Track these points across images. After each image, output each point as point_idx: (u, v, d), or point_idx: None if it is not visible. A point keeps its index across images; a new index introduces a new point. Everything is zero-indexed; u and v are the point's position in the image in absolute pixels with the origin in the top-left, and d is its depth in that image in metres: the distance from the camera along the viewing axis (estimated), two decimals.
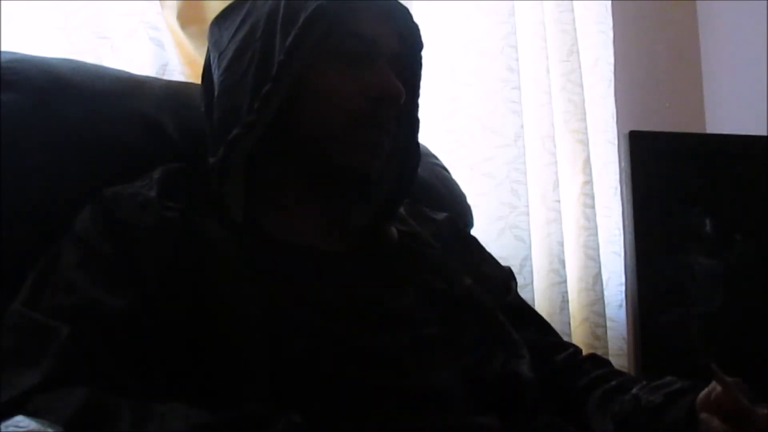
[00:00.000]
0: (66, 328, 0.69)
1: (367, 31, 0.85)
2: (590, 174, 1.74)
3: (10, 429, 0.47)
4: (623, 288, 1.81)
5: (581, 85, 1.76)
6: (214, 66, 0.89)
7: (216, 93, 0.86)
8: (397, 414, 0.74)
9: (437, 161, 1.28)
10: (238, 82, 0.83)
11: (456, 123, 1.59)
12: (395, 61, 0.87)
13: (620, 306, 1.81)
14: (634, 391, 0.87)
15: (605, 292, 1.74)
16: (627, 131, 1.80)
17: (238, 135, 0.81)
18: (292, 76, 0.81)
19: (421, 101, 0.94)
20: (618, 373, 0.97)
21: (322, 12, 0.81)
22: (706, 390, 0.79)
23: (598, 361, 1.00)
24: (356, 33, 0.84)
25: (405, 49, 0.89)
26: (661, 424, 0.81)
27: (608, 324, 1.72)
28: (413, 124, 0.93)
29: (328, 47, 0.84)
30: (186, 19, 1.30)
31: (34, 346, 0.68)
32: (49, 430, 0.48)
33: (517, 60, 1.62)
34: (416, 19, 1.54)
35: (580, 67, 1.76)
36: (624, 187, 1.81)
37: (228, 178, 0.82)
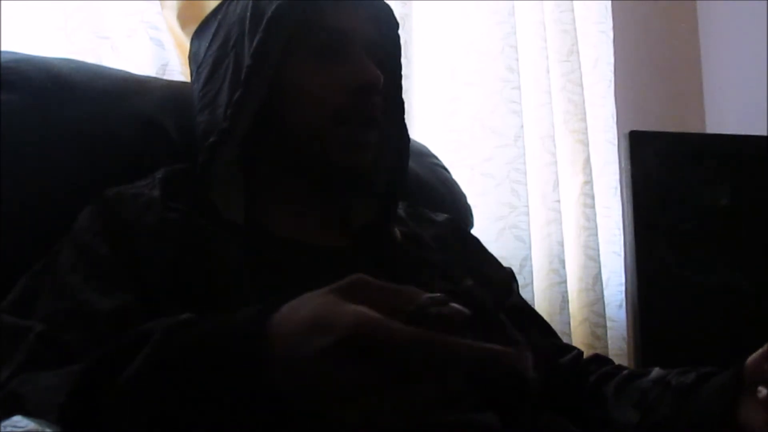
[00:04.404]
0: (39, 326, 0.68)
1: (335, 22, 0.84)
2: (590, 174, 1.74)
3: (8, 429, 0.47)
4: (623, 288, 1.81)
5: (581, 85, 1.76)
6: (193, 79, 0.90)
7: (198, 108, 0.86)
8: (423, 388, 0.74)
9: (437, 161, 1.28)
10: (216, 95, 0.84)
11: (456, 123, 1.59)
12: (372, 47, 0.87)
13: (620, 306, 1.81)
14: (653, 376, 0.86)
15: (605, 292, 1.74)
16: (627, 131, 1.80)
17: (213, 143, 0.81)
18: (264, 79, 0.82)
19: (404, 83, 0.93)
20: (625, 368, 0.97)
21: (285, 11, 0.81)
22: (759, 352, 0.75)
23: (602, 359, 1.00)
24: (324, 26, 0.84)
25: (380, 32, 0.89)
26: (697, 402, 0.79)
27: (608, 324, 1.73)
28: (399, 106, 0.92)
29: (298, 45, 0.83)
30: (186, 19, 1.30)
31: (8, 348, 0.67)
32: (48, 430, 0.47)
33: (517, 60, 1.62)
34: (416, 19, 1.56)
35: (580, 67, 1.76)
36: (624, 187, 1.81)
37: (211, 184, 0.83)
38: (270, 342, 0.50)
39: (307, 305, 0.51)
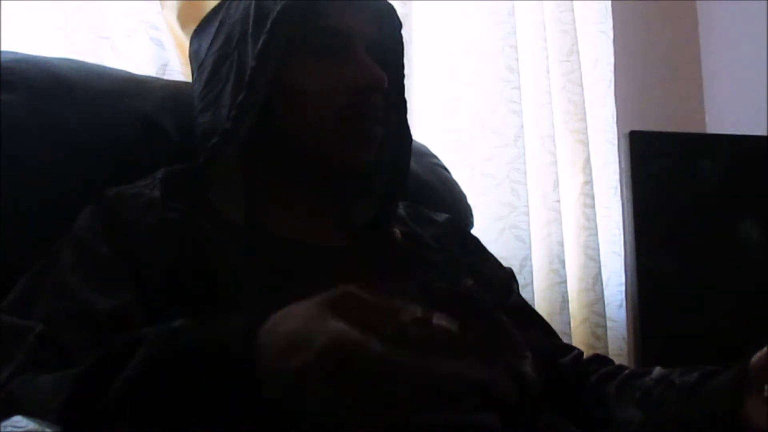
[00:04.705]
0: (39, 326, 0.68)
1: (337, 23, 0.84)
2: (590, 174, 1.74)
3: (8, 429, 0.47)
4: (623, 288, 1.81)
5: (581, 85, 1.76)
6: (194, 78, 0.90)
7: (199, 108, 0.86)
8: (396, 410, 0.74)
9: (437, 161, 1.28)
10: (218, 95, 0.84)
11: (456, 123, 1.59)
12: (374, 46, 0.87)
13: (620, 306, 1.81)
14: (654, 375, 0.86)
15: (605, 292, 1.74)
16: (627, 131, 1.80)
17: (215, 144, 0.81)
18: (267, 81, 0.82)
19: (406, 83, 0.93)
20: (625, 367, 0.97)
21: (289, 12, 0.81)
22: (764, 351, 0.73)
23: (602, 359, 0.99)
24: (327, 27, 0.84)
25: (383, 32, 0.89)
26: (701, 401, 0.79)
27: (608, 324, 1.73)
28: (401, 106, 0.93)
29: (301, 46, 0.84)
30: (186, 19, 1.30)
31: (7, 349, 0.67)
32: (48, 429, 0.48)
33: (517, 60, 1.62)
34: (416, 19, 1.56)
35: (580, 67, 1.76)
36: (624, 187, 1.81)
37: (211, 184, 0.83)
38: (257, 353, 0.51)
39: (294, 316, 0.52)
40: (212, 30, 0.89)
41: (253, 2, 0.84)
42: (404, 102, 0.93)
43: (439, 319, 0.51)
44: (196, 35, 0.92)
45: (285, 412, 0.49)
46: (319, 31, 0.84)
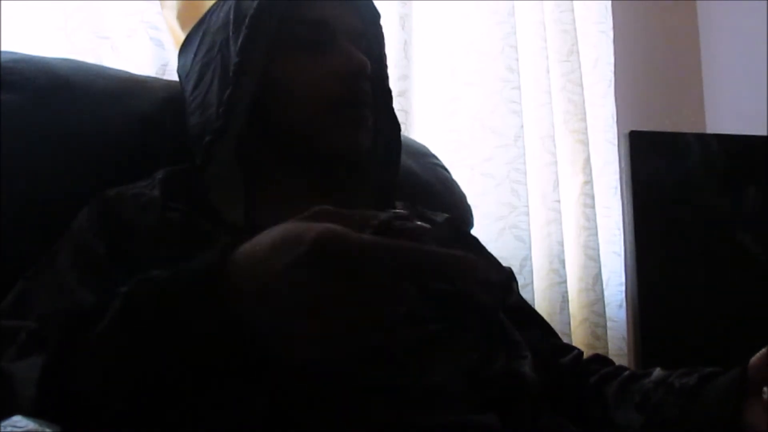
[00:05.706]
0: (33, 325, 0.68)
1: (318, 15, 0.86)
2: (590, 174, 1.74)
3: (8, 429, 0.47)
4: (623, 288, 1.81)
5: (581, 85, 1.76)
6: (182, 88, 0.91)
7: (188, 112, 0.87)
8: (396, 411, 0.74)
9: (437, 161, 1.28)
10: (205, 96, 0.85)
11: (456, 123, 1.59)
12: (355, 37, 0.88)
13: (620, 306, 1.81)
14: (654, 377, 0.86)
15: (605, 292, 1.74)
16: (627, 131, 1.80)
17: (210, 142, 0.82)
18: (253, 77, 0.83)
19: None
20: (626, 368, 0.97)
21: (267, 7, 0.83)
22: (762, 352, 0.74)
23: (603, 360, 0.99)
24: (307, 19, 0.85)
25: (363, 24, 0.91)
26: (701, 404, 0.79)
27: (608, 324, 1.73)
28: (386, 95, 0.94)
29: (284, 40, 0.85)
30: (186, 19, 1.30)
31: (4, 349, 0.68)
32: (47, 430, 0.48)
33: (517, 60, 1.62)
34: (416, 19, 1.56)
35: (580, 67, 1.76)
36: (624, 187, 1.81)
37: (210, 185, 0.83)
38: (232, 270, 0.53)
39: (272, 232, 0.54)
40: (195, 43, 0.91)
41: (232, 6, 0.86)
42: (389, 92, 0.95)
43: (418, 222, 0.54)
44: (182, 51, 0.94)
45: (259, 329, 0.51)
46: (301, 24, 0.85)
